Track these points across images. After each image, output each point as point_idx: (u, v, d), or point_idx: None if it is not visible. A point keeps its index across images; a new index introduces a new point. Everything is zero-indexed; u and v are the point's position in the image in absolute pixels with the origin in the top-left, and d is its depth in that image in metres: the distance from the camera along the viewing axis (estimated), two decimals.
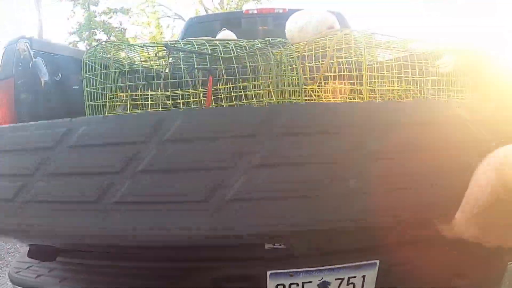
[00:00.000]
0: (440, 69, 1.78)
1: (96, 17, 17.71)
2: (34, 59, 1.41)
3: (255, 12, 3.79)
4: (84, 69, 1.38)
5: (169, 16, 19.46)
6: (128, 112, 1.59)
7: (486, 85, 1.76)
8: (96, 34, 17.85)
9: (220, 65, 1.49)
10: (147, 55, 1.68)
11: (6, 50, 1.42)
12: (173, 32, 19.19)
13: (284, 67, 1.67)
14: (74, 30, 17.66)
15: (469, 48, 1.83)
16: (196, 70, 1.61)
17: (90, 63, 1.41)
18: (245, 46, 1.55)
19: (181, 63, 1.47)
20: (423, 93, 1.85)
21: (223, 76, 1.53)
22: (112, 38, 16.84)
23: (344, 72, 1.57)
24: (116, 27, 18.37)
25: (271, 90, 1.69)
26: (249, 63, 1.54)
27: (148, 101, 1.65)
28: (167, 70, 1.73)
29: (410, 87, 1.80)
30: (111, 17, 18.16)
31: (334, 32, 1.76)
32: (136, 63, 1.69)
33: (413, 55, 1.66)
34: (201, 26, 3.71)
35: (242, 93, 1.61)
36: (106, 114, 1.48)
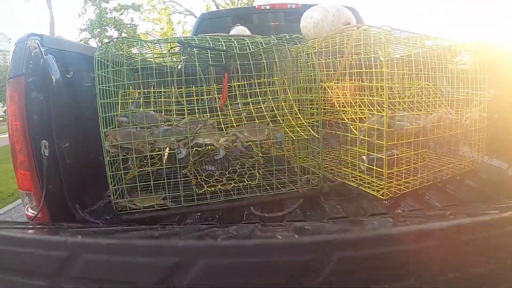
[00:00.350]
0: (459, 66, 1.73)
1: (107, 14, 17.77)
2: (45, 57, 1.38)
3: (268, 7, 3.74)
4: (96, 66, 1.35)
5: (180, 12, 19.47)
6: (142, 109, 1.56)
7: (504, 81, 1.71)
8: (107, 31, 17.92)
9: (236, 61, 1.44)
10: (160, 52, 1.65)
11: (16, 48, 1.39)
12: (184, 28, 19.21)
13: (300, 64, 1.62)
14: (86, 27, 17.75)
15: (488, 45, 1.77)
16: (210, 67, 1.57)
17: (102, 60, 1.38)
18: (261, 42, 1.51)
19: (196, 59, 1.43)
20: (441, 90, 1.80)
21: (239, 72, 1.48)
22: (124, 35, 16.86)
23: (362, 69, 1.52)
24: (127, 24, 18.43)
25: (287, 87, 1.65)
26: (265, 60, 1.50)
27: (161, 98, 1.62)
28: (180, 67, 1.70)
29: (428, 84, 1.75)
30: (122, 14, 18.22)
31: (351, 28, 1.71)
32: (149, 59, 1.66)
33: (432, 52, 1.61)
34: (213, 21, 3.68)
35: (257, 90, 1.57)
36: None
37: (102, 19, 17.46)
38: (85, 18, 18.10)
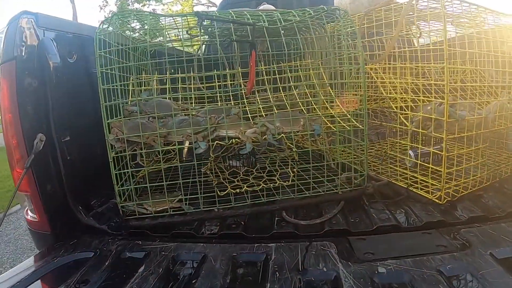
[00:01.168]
0: None
1: (129, 5, 17.78)
2: (41, 38, 1.18)
3: None
4: (97, 46, 1.13)
5: (203, 4, 19.35)
6: (154, 96, 1.35)
7: None
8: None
9: (265, 37, 1.21)
10: (176, 30, 1.43)
11: (8, 29, 1.18)
12: None
13: (341, 43, 1.37)
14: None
15: None
16: (234, 46, 1.35)
17: (105, 38, 1.16)
18: (294, 16, 1.27)
19: (217, 38, 1.20)
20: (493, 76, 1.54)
21: (268, 51, 1.25)
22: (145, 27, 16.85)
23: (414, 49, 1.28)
24: None
25: (323, 72, 1.42)
26: (300, 37, 1.27)
27: (177, 83, 1.40)
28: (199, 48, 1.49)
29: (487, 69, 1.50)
30: (144, 6, 18.19)
31: (395, 1, 1.46)
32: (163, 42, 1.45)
33: (493, 31, 1.35)
34: (236, 6, 3.49)
35: (289, 74, 1.35)
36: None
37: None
38: (107, 11, 18.13)
